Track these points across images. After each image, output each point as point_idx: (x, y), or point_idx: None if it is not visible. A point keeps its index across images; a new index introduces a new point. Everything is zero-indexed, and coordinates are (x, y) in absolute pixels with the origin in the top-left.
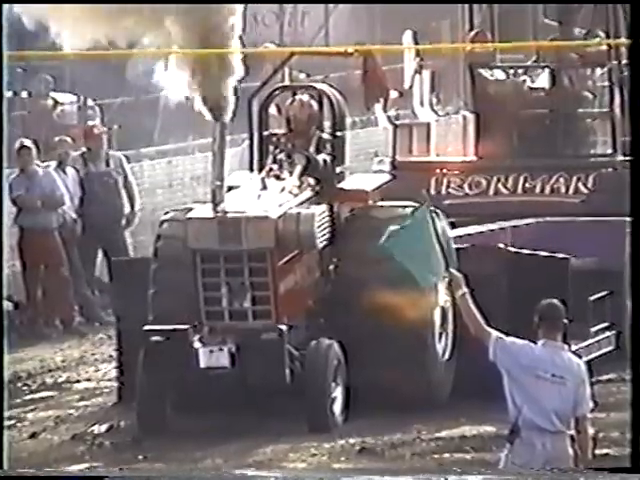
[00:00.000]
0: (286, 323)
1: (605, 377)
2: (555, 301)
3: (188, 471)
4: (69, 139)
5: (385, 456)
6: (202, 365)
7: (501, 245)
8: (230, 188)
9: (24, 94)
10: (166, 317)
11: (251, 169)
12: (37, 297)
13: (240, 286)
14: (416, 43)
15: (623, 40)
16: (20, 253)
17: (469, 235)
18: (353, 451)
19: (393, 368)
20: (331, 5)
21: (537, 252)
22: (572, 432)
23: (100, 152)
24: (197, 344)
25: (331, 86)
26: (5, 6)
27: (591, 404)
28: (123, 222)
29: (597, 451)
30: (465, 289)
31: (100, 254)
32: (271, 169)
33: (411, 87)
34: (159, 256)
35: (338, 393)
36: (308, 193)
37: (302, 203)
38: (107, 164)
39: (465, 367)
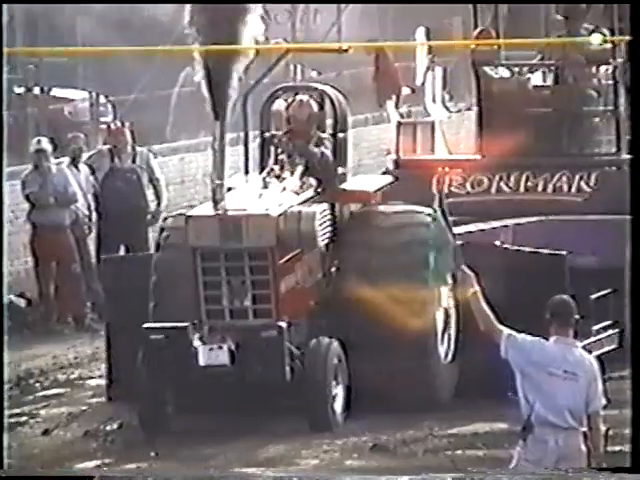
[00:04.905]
0: (286, 321)
1: (617, 374)
2: (566, 297)
3: (188, 471)
4: (82, 135)
5: (397, 453)
6: (202, 363)
7: (496, 242)
8: (230, 189)
9: (36, 90)
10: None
11: (246, 168)
12: (49, 294)
13: (240, 284)
14: (428, 40)
15: (627, 38)
16: (32, 250)
17: (470, 233)
18: (360, 449)
19: (393, 371)
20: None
21: (534, 249)
22: (584, 429)
23: (126, 149)
24: (197, 342)
25: (333, 87)
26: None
27: (603, 401)
28: (147, 218)
29: (609, 448)
30: (476, 287)
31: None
32: (272, 169)
33: (423, 84)
34: (158, 268)
35: (339, 391)
36: (309, 193)
37: (303, 203)
38: (133, 160)
39: (470, 369)
